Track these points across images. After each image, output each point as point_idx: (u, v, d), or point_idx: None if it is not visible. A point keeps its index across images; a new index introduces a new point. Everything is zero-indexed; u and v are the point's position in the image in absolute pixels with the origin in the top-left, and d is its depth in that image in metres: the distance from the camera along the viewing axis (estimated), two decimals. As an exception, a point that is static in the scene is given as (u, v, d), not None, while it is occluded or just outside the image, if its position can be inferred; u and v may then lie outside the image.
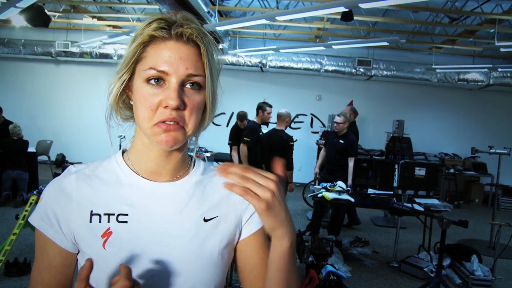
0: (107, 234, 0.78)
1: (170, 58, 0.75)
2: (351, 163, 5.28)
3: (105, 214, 0.80)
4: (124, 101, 0.85)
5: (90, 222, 0.79)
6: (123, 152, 0.89)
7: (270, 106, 5.71)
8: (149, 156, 0.83)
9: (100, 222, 0.79)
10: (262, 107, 5.72)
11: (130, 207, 0.81)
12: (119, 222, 0.79)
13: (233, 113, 9.38)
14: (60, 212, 0.80)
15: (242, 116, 6.34)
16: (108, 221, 0.79)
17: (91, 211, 0.80)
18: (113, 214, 0.80)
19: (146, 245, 0.79)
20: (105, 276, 0.77)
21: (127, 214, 0.80)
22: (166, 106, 0.75)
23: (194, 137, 0.86)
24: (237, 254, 0.90)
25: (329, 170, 5.55)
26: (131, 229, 0.79)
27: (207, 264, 0.81)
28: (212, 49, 0.80)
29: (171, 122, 0.75)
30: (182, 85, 0.76)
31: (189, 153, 0.91)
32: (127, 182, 0.83)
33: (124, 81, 0.80)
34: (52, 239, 0.80)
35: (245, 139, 5.50)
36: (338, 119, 5.44)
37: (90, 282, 0.78)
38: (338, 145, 5.43)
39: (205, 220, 0.84)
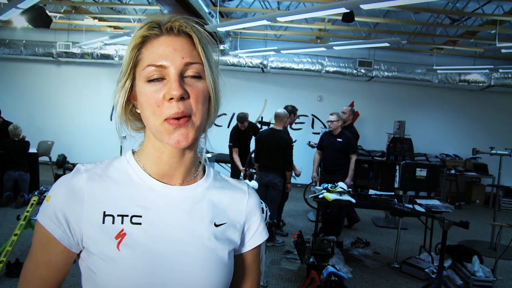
0: (121, 235, 0.77)
1: (165, 51, 0.76)
2: (353, 159, 5.31)
3: (118, 215, 0.79)
4: (131, 111, 0.85)
5: (103, 223, 0.78)
6: (132, 153, 0.88)
7: (297, 110, 6.00)
8: (162, 159, 0.83)
9: (113, 223, 0.78)
10: (293, 111, 5.93)
11: (144, 209, 0.81)
12: (133, 223, 0.79)
13: (234, 114, 9.38)
14: (69, 212, 0.78)
15: (242, 118, 6.35)
16: (122, 222, 0.79)
17: (104, 212, 0.79)
18: (127, 216, 0.79)
19: (160, 247, 0.79)
20: (120, 277, 0.75)
21: (140, 216, 0.80)
22: (171, 99, 0.75)
23: (203, 133, 0.86)
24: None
25: (329, 171, 5.54)
26: (145, 231, 0.79)
27: (220, 267, 0.83)
28: (204, 39, 0.80)
29: (180, 117, 0.76)
30: (182, 76, 0.77)
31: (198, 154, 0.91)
32: (140, 183, 0.83)
33: (127, 89, 0.81)
34: (59, 239, 0.79)
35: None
36: (331, 117, 5.49)
37: (104, 283, 0.76)
38: (337, 144, 5.43)
39: (216, 225, 0.86)
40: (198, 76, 0.78)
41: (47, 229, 0.79)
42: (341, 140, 5.42)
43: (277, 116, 5.27)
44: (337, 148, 5.44)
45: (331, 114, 5.54)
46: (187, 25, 0.79)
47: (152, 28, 0.78)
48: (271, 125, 5.55)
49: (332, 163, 5.53)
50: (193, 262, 0.80)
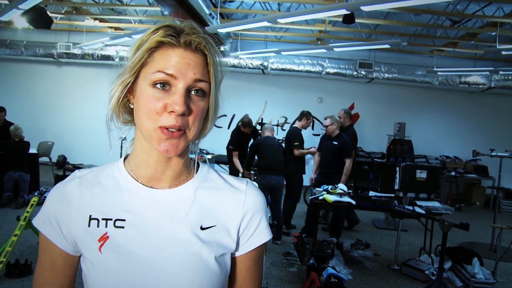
0: (104, 238, 0.80)
1: (179, 63, 0.76)
2: (347, 163, 5.32)
3: (103, 219, 0.81)
4: (125, 104, 0.85)
5: (89, 226, 0.81)
6: (125, 157, 0.90)
7: (311, 115, 6.20)
8: (148, 162, 0.84)
9: (98, 226, 0.81)
10: (307, 115, 6.06)
11: (128, 213, 0.82)
12: (116, 227, 0.80)
13: (234, 115, 9.39)
14: (61, 216, 0.82)
15: (249, 123, 6.41)
16: (106, 226, 0.81)
17: (90, 216, 0.82)
18: (111, 219, 0.81)
19: (142, 251, 0.79)
20: (102, 278, 0.78)
21: (124, 220, 0.81)
22: (172, 112, 0.75)
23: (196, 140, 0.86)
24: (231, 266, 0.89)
25: (324, 174, 5.53)
26: (127, 235, 0.80)
27: (203, 272, 0.80)
28: (217, 59, 0.82)
29: (174, 130, 0.76)
30: (188, 91, 0.77)
31: (190, 156, 0.90)
32: (126, 188, 0.84)
33: (127, 85, 0.81)
34: (53, 241, 0.83)
35: (297, 143, 5.82)
36: (325, 122, 5.53)
37: (87, 285, 0.80)
38: (332, 146, 5.43)
39: (202, 229, 0.84)
40: (203, 94, 0.79)
41: (42, 231, 0.83)
42: (336, 143, 5.41)
43: (266, 129, 5.54)
44: (331, 151, 5.43)
45: (325, 119, 5.59)
46: (206, 44, 0.80)
47: (169, 36, 0.77)
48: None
49: (327, 166, 5.52)
50: (174, 266, 0.79)
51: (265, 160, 5.27)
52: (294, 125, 6.29)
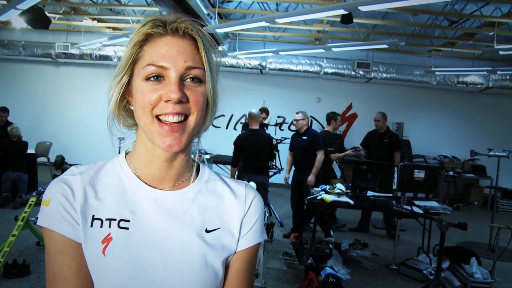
0: (107, 240, 0.76)
1: (168, 52, 0.75)
2: (318, 156, 5.31)
3: (106, 219, 0.78)
4: (125, 107, 0.83)
5: (91, 226, 0.77)
6: (125, 154, 0.87)
7: (339, 114, 6.02)
8: (153, 162, 0.81)
9: (101, 227, 0.77)
10: (334, 116, 5.97)
11: (132, 213, 0.79)
12: (120, 228, 0.77)
13: (232, 115, 9.41)
14: (72, 210, 0.77)
15: (265, 109, 6.41)
16: (109, 227, 0.77)
17: (93, 216, 0.78)
18: (115, 220, 0.78)
19: (147, 253, 0.77)
20: (106, 282, 0.75)
21: (128, 221, 0.78)
22: (168, 101, 0.74)
23: (196, 138, 0.85)
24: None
25: (299, 171, 5.54)
26: (132, 236, 0.77)
27: (209, 275, 0.79)
28: (208, 43, 0.80)
29: (174, 118, 0.75)
30: (182, 79, 0.76)
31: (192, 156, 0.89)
32: (130, 187, 0.82)
33: (123, 84, 0.79)
34: (75, 239, 0.76)
35: (331, 149, 5.77)
36: (297, 116, 5.52)
37: (95, 284, 0.76)
38: (302, 142, 5.45)
39: (207, 231, 0.82)
40: (198, 81, 0.78)
41: (60, 232, 0.76)
42: (306, 138, 5.43)
43: (252, 117, 5.27)
44: (302, 146, 5.45)
45: (296, 113, 5.56)
46: (193, 28, 0.78)
47: (156, 27, 0.77)
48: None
49: (300, 162, 5.53)
50: (180, 269, 0.77)
51: (248, 159, 5.18)
52: (325, 129, 6.16)
